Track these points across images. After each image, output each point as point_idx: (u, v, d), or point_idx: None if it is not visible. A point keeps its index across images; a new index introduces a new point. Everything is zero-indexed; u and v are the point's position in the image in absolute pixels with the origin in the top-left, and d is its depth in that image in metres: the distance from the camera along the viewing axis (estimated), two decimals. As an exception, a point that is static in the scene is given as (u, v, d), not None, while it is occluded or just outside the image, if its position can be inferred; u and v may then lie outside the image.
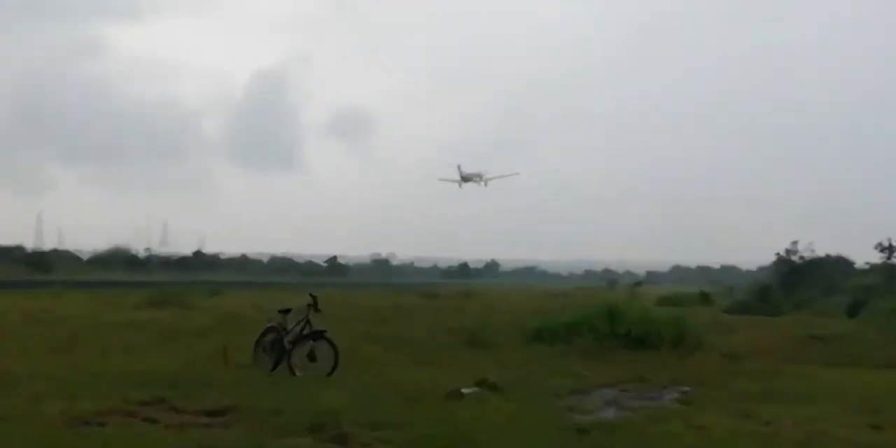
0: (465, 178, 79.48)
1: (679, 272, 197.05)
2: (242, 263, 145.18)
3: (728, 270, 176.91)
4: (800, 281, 65.17)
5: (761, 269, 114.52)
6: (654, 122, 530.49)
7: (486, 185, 79.99)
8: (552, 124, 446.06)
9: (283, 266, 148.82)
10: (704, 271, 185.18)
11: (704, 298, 61.07)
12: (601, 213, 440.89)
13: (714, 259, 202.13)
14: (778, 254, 71.14)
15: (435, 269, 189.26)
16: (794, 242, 70.10)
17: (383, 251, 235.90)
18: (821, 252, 72.29)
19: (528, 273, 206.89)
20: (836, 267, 72.83)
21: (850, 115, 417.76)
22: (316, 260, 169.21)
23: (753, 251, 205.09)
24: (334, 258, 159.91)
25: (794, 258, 69.55)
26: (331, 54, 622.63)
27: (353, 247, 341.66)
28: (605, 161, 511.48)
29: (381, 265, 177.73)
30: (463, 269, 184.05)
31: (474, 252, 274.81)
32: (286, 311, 18.35)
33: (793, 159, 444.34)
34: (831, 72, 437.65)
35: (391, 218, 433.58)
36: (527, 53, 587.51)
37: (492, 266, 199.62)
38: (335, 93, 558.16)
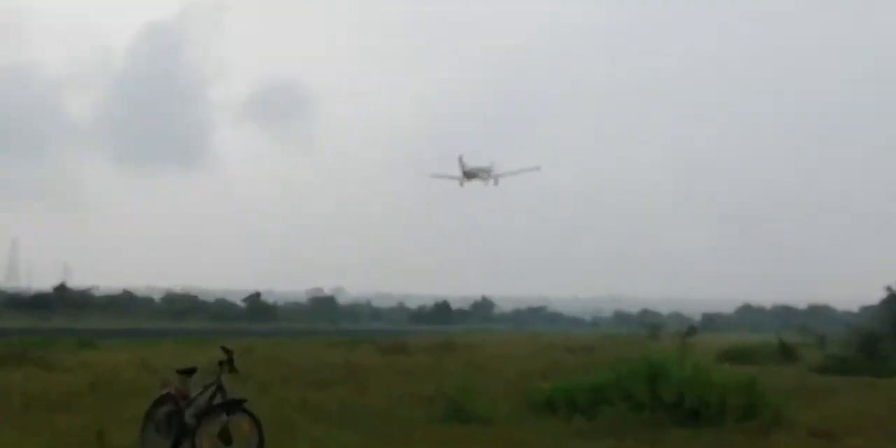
0: (469, 174, 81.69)
1: (749, 314, 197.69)
2: (125, 303, 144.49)
3: (818, 312, 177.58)
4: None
5: (865, 311, 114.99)
6: (719, 108, 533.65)
7: (495, 183, 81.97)
8: (564, 105, 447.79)
9: (183, 306, 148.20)
10: (785, 313, 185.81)
11: (786, 352, 61.14)
12: (638, 233, 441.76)
13: (798, 296, 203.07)
14: (889, 288, 71.35)
15: (402, 311, 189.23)
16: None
17: (327, 285, 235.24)
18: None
19: (535, 316, 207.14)
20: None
21: None
22: (231, 297, 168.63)
23: (853, 285, 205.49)
24: (257, 295, 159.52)
25: (913, 294, 69.76)
26: (252, 3, 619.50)
27: (284, 279, 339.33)
28: (646, 158, 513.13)
29: (323, 305, 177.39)
30: (442, 310, 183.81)
31: (459, 286, 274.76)
32: (188, 372, 18.18)
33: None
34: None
35: (338, 238, 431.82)
36: (530, 8, 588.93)
37: (483, 306, 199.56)
38: (258, 59, 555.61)
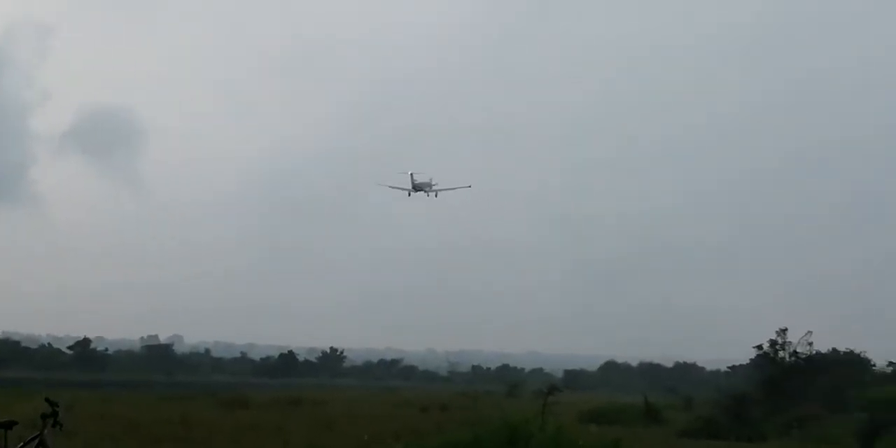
0: (417, 187, 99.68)
1: (614, 372, 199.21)
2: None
3: (685, 371, 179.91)
4: (792, 389, 66.47)
5: (735, 370, 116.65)
6: (581, 154, 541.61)
7: (436, 196, 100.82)
8: (431, 147, 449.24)
9: (2, 353, 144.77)
10: (651, 371, 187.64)
11: (651, 413, 61.81)
12: (496, 285, 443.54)
13: (665, 354, 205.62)
14: (759, 347, 72.41)
15: (244, 362, 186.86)
16: (783, 331, 71.35)
17: (162, 333, 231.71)
18: (823, 346, 73.97)
19: (388, 370, 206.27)
20: (845, 369, 74.63)
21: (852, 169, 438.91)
22: (57, 344, 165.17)
23: (723, 344, 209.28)
24: (85, 342, 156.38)
25: (784, 355, 70.91)
26: (82, 25, 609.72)
27: (115, 325, 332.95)
28: (509, 207, 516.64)
29: (158, 354, 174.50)
30: (287, 361, 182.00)
31: (305, 337, 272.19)
32: (7, 426, 17.67)
33: (783, 219, 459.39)
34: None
35: (175, 282, 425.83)
36: (387, 44, 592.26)
37: (333, 359, 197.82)
38: (86, 88, 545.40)
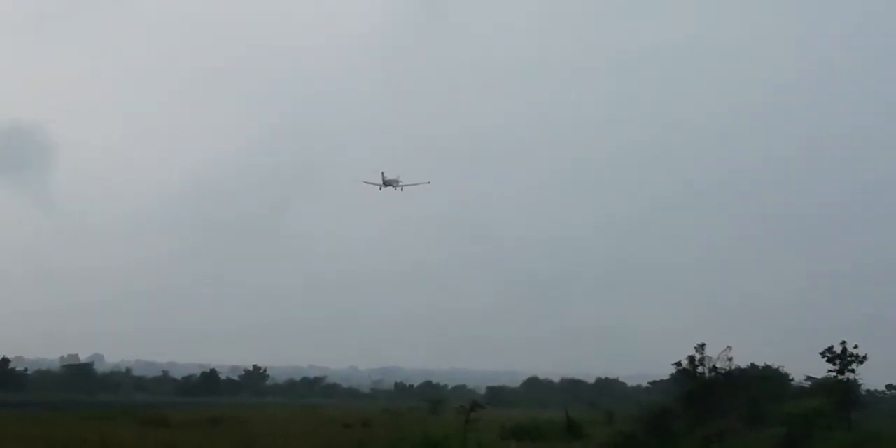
0: (386, 183, 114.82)
1: (536, 388, 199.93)
2: None
3: (607, 386, 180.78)
4: (711, 404, 66.84)
5: (655, 386, 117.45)
6: (503, 169, 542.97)
7: (402, 190, 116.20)
8: (342, 167, 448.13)
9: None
10: (573, 387, 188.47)
11: (573, 428, 61.86)
12: (420, 303, 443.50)
13: (586, 370, 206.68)
14: (678, 363, 72.68)
15: (166, 381, 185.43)
16: (701, 347, 71.61)
17: (83, 352, 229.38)
18: (742, 361, 74.48)
19: (312, 387, 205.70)
20: (764, 383, 75.24)
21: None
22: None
23: (644, 360, 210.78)
24: (3, 362, 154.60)
25: (703, 370, 71.28)
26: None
27: (35, 345, 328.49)
28: (430, 224, 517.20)
29: (79, 373, 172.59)
30: (210, 380, 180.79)
31: (229, 355, 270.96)
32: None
33: (705, 241, 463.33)
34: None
35: (94, 300, 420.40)
36: (309, 64, 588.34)
37: (255, 377, 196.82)
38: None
